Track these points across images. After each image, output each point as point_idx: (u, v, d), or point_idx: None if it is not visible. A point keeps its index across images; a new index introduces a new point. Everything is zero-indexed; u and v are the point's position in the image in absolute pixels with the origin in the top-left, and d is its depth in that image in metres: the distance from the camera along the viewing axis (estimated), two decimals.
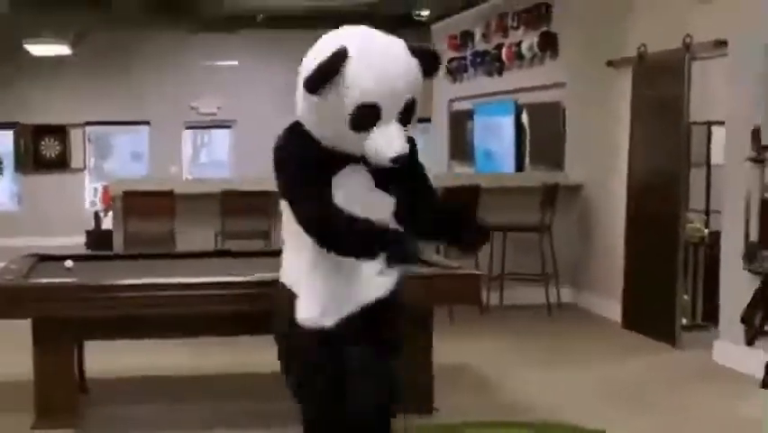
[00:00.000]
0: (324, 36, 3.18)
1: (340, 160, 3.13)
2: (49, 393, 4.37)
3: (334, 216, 3.09)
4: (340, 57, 3.00)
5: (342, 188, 3.14)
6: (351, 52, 3.02)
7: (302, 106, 3.16)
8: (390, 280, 3.22)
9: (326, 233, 3.12)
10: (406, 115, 3.09)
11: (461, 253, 3.53)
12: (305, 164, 3.14)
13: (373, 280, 3.17)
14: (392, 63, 3.06)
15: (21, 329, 4.43)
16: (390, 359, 3.30)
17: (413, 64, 3.10)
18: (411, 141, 3.29)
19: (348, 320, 3.18)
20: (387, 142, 3.04)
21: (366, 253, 3.11)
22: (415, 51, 3.13)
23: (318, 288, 3.20)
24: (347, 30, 3.17)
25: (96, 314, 4.29)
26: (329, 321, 3.18)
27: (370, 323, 3.21)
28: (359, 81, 3.00)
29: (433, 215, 3.36)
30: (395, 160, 3.05)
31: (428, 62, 3.16)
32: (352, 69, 3.00)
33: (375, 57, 3.05)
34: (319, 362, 3.21)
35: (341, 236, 3.12)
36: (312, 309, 3.20)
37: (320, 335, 3.18)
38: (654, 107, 6.59)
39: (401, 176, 3.21)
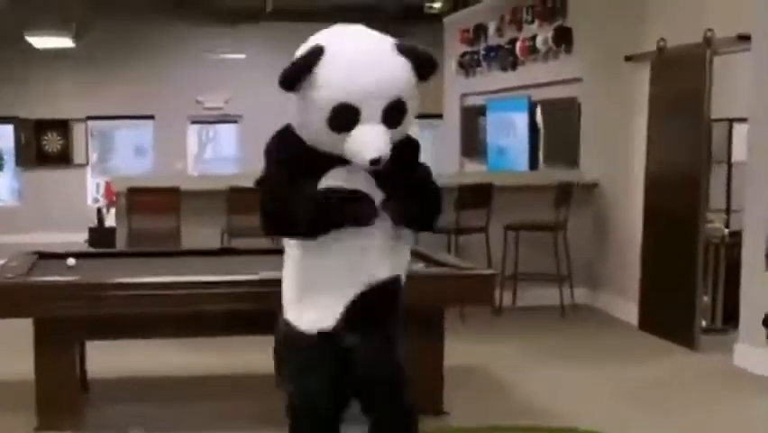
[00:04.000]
0: (314, 35, 3.17)
1: (326, 161, 3.12)
2: (50, 393, 4.31)
3: (281, 195, 3.13)
4: (312, 56, 3.03)
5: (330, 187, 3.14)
6: (326, 51, 3.03)
7: (290, 108, 3.16)
8: (384, 270, 3.19)
9: (268, 209, 3.21)
10: (393, 115, 3.05)
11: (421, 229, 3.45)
12: (286, 164, 3.18)
13: (365, 268, 3.16)
14: (369, 63, 3.03)
15: (22, 329, 4.35)
16: (392, 349, 3.27)
17: (399, 64, 3.07)
18: (413, 141, 3.29)
19: (346, 312, 3.17)
20: (365, 143, 3.01)
21: (316, 222, 3.09)
22: (405, 52, 3.09)
23: (302, 287, 3.23)
24: (333, 29, 3.17)
25: (98, 313, 4.21)
26: (322, 322, 3.18)
27: (367, 312, 3.19)
28: (330, 81, 3.00)
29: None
30: (373, 162, 3.01)
31: (420, 63, 3.11)
32: (324, 68, 3.01)
33: (349, 57, 3.04)
34: (311, 362, 3.23)
35: (283, 209, 3.15)
36: (297, 308, 3.23)
37: (311, 336, 3.20)
38: (674, 103, 6.45)
39: (397, 176, 3.17)
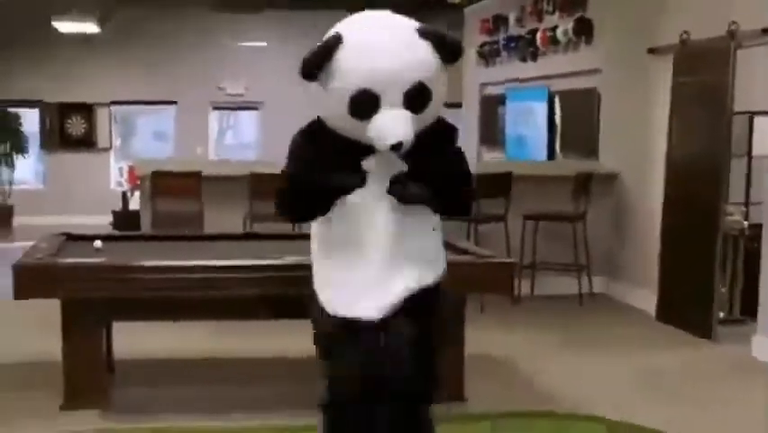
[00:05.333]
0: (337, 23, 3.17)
1: (364, 147, 3.10)
2: (77, 374, 4.36)
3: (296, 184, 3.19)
4: (331, 43, 3.02)
5: (369, 174, 3.13)
6: (345, 39, 3.02)
7: (315, 98, 3.16)
8: (418, 273, 3.15)
9: (283, 196, 3.24)
10: (416, 99, 3.03)
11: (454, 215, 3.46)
12: (308, 165, 3.17)
13: (400, 270, 3.12)
14: (385, 49, 3.02)
15: (50, 309, 4.40)
16: (427, 346, 3.22)
17: (421, 47, 3.04)
18: (447, 126, 3.26)
19: (378, 307, 3.12)
20: (387, 128, 3.00)
21: (322, 195, 3.13)
22: (428, 35, 3.07)
23: (330, 274, 3.20)
24: (354, 17, 3.16)
25: (125, 295, 4.26)
26: (354, 310, 3.14)
27: (403, 313, 3.14)
28: (349, 67, 2.99)
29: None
30: (394, 147, 3.00)
31: (443, 47, 3.09)
32: (343, 55, 3.00)
33: (368, 42, 3.03)
34: (342, 348, 3.19)
35: (297, 194, 3.19)
36: (331, 296, 3.20)
37: (345, 322, 3.15)
38: (696, 96, 6.45)
39: (429, 162, 3.15)
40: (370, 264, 3.14)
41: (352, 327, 3.15)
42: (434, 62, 3.06)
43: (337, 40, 3.01)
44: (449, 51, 3.10)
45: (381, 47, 3.02)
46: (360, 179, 3.13)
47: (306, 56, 3.04)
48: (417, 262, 3.17)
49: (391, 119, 2.99)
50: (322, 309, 3.23)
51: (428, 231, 3.25)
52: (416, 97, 3.03)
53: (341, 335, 3.19)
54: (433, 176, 3.15)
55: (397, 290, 3.13)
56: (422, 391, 3.23)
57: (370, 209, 3.15)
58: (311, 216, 3.27)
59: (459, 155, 3.30)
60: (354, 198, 3.15)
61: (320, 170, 3.15)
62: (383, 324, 3.13)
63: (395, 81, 2.99)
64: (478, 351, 5.04)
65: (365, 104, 2.99)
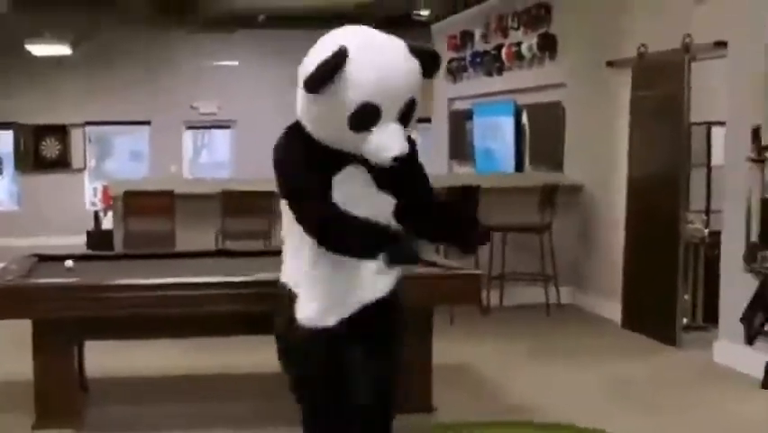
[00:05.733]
0: (324, 36, 3.18)
1: (340, 160, 3.13)
2: (49, 393, 4.36)
3: (336, 216, 3.09)
4: (340, 56, 2.99)
5: (343, 187, 3.13)
6: (351, 52, 3.01)
7: (302, 107, 3.15)
8: (390, 280, 3.22)
9: (327, 233, 3.12)
10: (406, 115, 3.08)
11: (462, 254, 3.53)
12: (304, 164, 3.14)
13: (373, 279, 3.17)
14: (392, 63, 3.05)
15: (21, 329, 4.43)
16: (390, 359, 3.30)
17: (413, 64, 3.09)
18: (411, 141, 3.28)
19: (349, 320, 3.17)
20: (387, 141, 3.03)
21: (366, 252, 3.12)
22: (415, 51, 3.12)
23: (318, 287, 3.19)
24: (348, 29, 3.16)
25: (96, 314, 4.27)
26: (329, 320, 3.17)
27: (370, 323, 3.21)
28: (359, 81, 2.99)
29: (434, 215, 3.35)
30: (396, 159, 3.05)
31: (428, 63, 3.15)
32: (352, 68, 2.99)
33: (375, 56, 3.04)
34: (318, 360, 3.21)
35: (342, 236, 3.12)
36: (311, 309, 3.20)
37: (319, 334, 3.18)
38: (654, 108, 6.59)
39: (401, 177, 3.20)
40: (340, 276, 3.17)
41: (320, 337, 3.19)
42: (420, 79, 3.11)
43: (344, 53, 3.00)
44: (431, 67, 3.14)
45: (391, 62, 3.04)
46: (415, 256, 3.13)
47: (314, 70, 2.99)
48: (382, 273, 3.19)
49: (393, 133, 3.02)
50: (293, 320, 3.23)
51: None
52: (409, 112, 3.08)
53: (310, 345, 3.22)
54: (398, 187, 3.19)
55: (360, 300, 3.17)
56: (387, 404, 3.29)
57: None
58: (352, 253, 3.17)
59: (425, 174, 3.34)
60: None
61: (311, 168, 3.12)
62: (348, 333, 3.18)
63: (397, 96, 3.02)
64: (447, 361, 5.10)
65: (367, 117, 3.00)
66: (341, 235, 3.12)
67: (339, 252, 3.14)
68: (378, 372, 3.26)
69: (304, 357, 3.25)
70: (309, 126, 3.15)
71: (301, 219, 3.14)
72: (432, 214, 3.35)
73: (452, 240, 3.46)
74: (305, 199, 3.14)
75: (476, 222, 3.40)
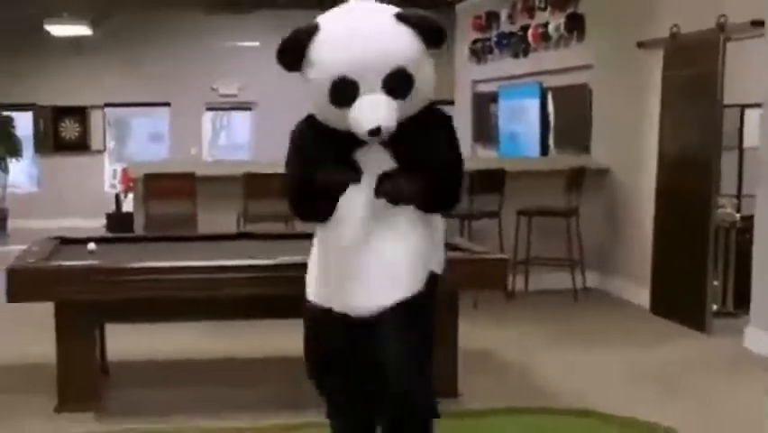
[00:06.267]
0: None
1: (350, 140, 3.09)
2: (71, 376, 4.37)
3: (302, 192, 3.20)
4: (303, 33, 3.03)
5: (364, 166, 3.12)
6: (321, 26, 3.03)
7: (304, 90, 3.15)
8: (407, 278, 3.12)
9: (297, 208, 3.27)
10: (397, 85, 3.00)
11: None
12: (303, 151, 3.19)
13: (388, 279, 3.10)
14: (361, 36, 3.00)
15: (44, 312, 4.41)
16: (401, 338, 3.17)
17: (398, 32, 3.02)
18: (437, 114, 3.21)
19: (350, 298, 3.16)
20: (363, 114, 2.97)
21: (331, 191, 3.12)
22: (407, 20, 3.04)
23: (323, 267, 3.24)
24: (337, 7, 3.16)
25: (118, 297, 4.27)
26: (328, 300, 3.20)
27: (396, 318, 3.12)
28: (324, 57, 2.99)
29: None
30: (372, 132, 2.97)
31: (424, 31, 3.05)
32: (317, 44, 3.01)
33: (342, 29, 3.03)
34: (317, 335, 3.26)
35: (307, 204, 3.21)
36: (314, 286, 3.26)
37: (320, 311, 3.22)
38: (687, 89, 6.46)
39: (419, 149, 3.13)
40: (345, 256, 3.15)
41: (327, 317, 3.21)
42: (415, 47, 3.02)
43: (312, 28, 3.02)
44: (430, 35, 3.06)
45: (358, 35, 3.00)
46: (357, 175, 3.11)
47: (279, 44, 3.06)
48: (390, 269, 3.12)
49: (368, 104, 2.96)
50: (305, 298, 3.29)
51: (407, 234, 3.16)
52: (398, 83, 2.99)
53: (318, 322, 3.25)
54: (418, 162, 3.11)
55: (382, 296, 3.11)
56: (412, 390, 3.19)
57: (350, 203, 3.14)
58: (314, 218, 3.27)
59: (448, 141, 3.23)
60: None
61: (318, 157, 3.15)
62: (358, 318, 3.15)
63: (371, 67, 2.96)
64: (472, 347, 5.06)
65: (344, 91, 2.97)
66: (306, 204, 3.23)
67: (313, 217, 3.24)
68: (385, 348, 3.17)
69: (307, 331, 3.32)
70: (313, 111, 3.17)
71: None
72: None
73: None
74: (289, 185, 3.25)
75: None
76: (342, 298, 3.16)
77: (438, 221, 3.30)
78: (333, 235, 3.18)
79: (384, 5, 3.14)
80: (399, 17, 3.04)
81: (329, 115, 3.08)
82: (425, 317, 3.22)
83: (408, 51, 3.02)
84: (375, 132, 2.96)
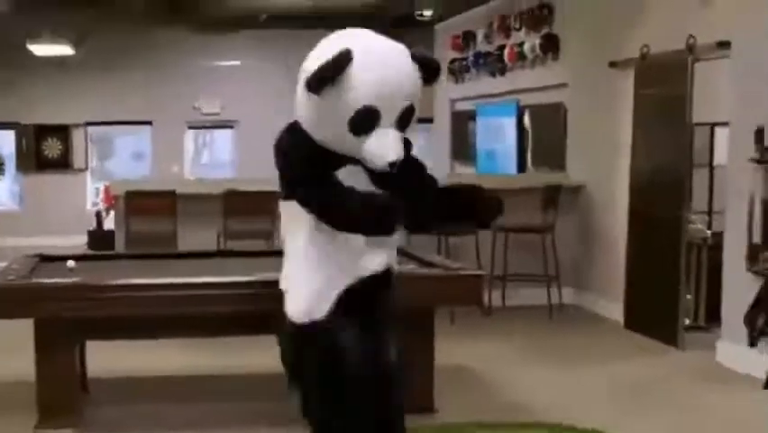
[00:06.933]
0: (327, 37, 3.20)
1: (339, 159, 3.17)
2: (51, 393, 4.37)
3: (348, 195, 3.15)
4: (344, 58, 3.02)
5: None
6: (355, 54, 3.03)
7: (302, 107, 3.18)
8: (381, 259, 3.26)
9: (329, 211, 3.18)
10: (404, 120, 3.12)
11: (478, 228, 3.57)
12: (306, 154, 3.19)
13: (365, 257, 3.22)
14: (395, 68, 3.08)
15: (23, 329, 4.43)
16: (390, 337, 3.32)
17: (414, 70, 3.13)
18: (407, 141, 3.30)
19: (339, 301, 3.22)
20: (384, 147, 3.07)
21: (368, 223, 3.16)
22: (416, 58, 3.16)
23: (309, 278, 3.25)
24: (351, 32, 3.19)
25: (98, 314, 4.28)
26: (319, 311, 3.23)
27: (363, 300, 3.24)
28: (361, 84, 3.02)
29: (444, 195, 3.39)
30: (391, 165, 3.08)
31: (428, 70, 3.19)
32: (355, 71, 3.01)
33: (378, 60, 3.08)
34: (311, 351, 3.27)
35: (342, 212, 3.17)
36: (301, 304, 3.27)
37: (310, 327, 3.24)
38: (657, 108, 6.58)
39: (398, 176, 3.22)
40: (329, 261, 3.24)
41: (311, 330, 3.25)
42: (420, 85, 3.16)
43: (348, 54, 3.02)
44: (433, 76, 3.20)
45: (388, 66, 3.08)
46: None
47: (317, 70, 3.02)
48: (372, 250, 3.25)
49: (388, 138, 3.06)
50: (287, 318, 3.31)
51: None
52: (407, 118, 3.13)
53: (304, 339, 3.28)
54: (400, 185, 3.21)
55: (342, 285, 3.23)
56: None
57: None
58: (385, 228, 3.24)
59: (422, 164, 3.40)
60: None
61: (313, 163, 3.18)
62: (338, 322, 3.22)
63: (398, 101, 3.07)
64: (448, 362, 5.11)
65: (367, 120, 3.04)
66: (341, 211, 3.17)
67: (342, 227, 3.18)
68: (376, 344, 3.27)
69: (297, 351, 3.32)
70: (308, 128, 3.18)
71: (314, 205, 3.19)
72: (442, 194, 3.38)
73: (466, 214, 3.45)
74: (314, 186, 3.18)
75: (486, 193, 3.41)
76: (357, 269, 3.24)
77: None
78: (345, 250, 3.24)
79: (396, 42, 3.21)
80: (412, 56, 3.16)
81: (339, 139, 3.11)
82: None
83: (418, 89, 3.16)
84: (393, 164, 3.08)
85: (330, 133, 3.13)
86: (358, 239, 3.22)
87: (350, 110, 3.03)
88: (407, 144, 3.33)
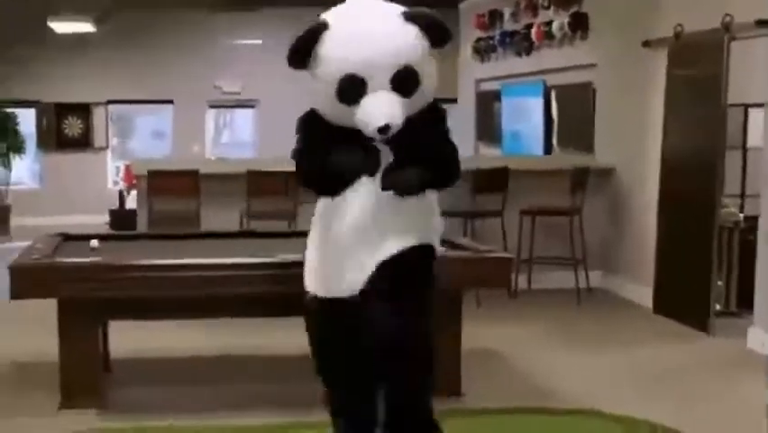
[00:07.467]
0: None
1: (353, 136, 3.11)
2: (74, 374, 4.36)
3: (314, 159, 3.19)
4: (314, 31, 3.04)
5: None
6: (329, 24, 3.05)
7: (310, 87, 3.17)
8: (402, 241, 3.16)
9: (305, 170, 3.24)
10: (402, 83, 3.03)
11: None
12: (310, 132, 3.21)
13: (382, 243, 3.14)
14: (372, 31, 3.03)
15: (47, 309, 4.41)
16: (409, 316, 3.19)
17: (406, 31, 3.05)
18: (436, 110, 3.25)
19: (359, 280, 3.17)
20: (372, 112, 3.00)
21: (346, 172, 3.12)
22: (413, 19, 3.06)
23: (320, 258, 3.25)
24: (341, 5, 3.18)
25: (121, 294, 4.26)
26: (330, 290, 3.22)
27: (382, 281, 3.15)
28: (334, 53, 3.01)
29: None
30: (381, 129, 2.99)
31: (429, 30, 3.09)
32: (327, 41, 3.02)
33: (352, 27, 3.05)
34: (323, 325, 3.28)
35: (317, 171, 3.19)
36: (315, 279, 3.28)
37: (323, 303, 3.24)
38: (691, 89, 6.46)
39: (420, 148, 3.16)
40: (343, 243, 3.17)
41: (331, 307, 3.22)
42: (420, 45, 3.06)
43: (322, 26, 3.04)
44: (436, 34, 3.09)
45: (366, 33, 3.03)
46: (374, 167, 3.11)
47: (292, 43, 3.07)
48: (394, 234, 3.15)
49: (377, 102, 2.99)
50: (306, 293, 3.31)
51: (408, 207, 3.19)
52: (404, 81, 3.03)
53: (323, 315, 3.25)
54: (418, 157, 3.15)
55: (371, 264, 3.14)
56: (417, 367, 3.23)
57: (352, 198, 3.16)
58: (322, 188, 3.25)
59: (445, 135, 3.29)
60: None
61: (328, 144, 3.15)
62: (362, 300, 3.15)
63: (380, 65, 2.99)
64: (475, 346, 5.07)
65: (352, 88, 3.00)
66: (299, 170, 3.24)
67: (324, 189, 3.20)
68: (386, 326, 3.17)
69: (310, 325, 3.34)
70: (316, 106, 3.19)
71: (297, 176, 3.28)
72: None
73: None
74: (300, 156, 3.24)
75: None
76: (339, 281, 3.19)
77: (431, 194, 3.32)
78: (336, 223, 3.18)
79: (390, 4, 3.17)
80: (406, 16, 3.08)
81: (336, 111, 3.10)
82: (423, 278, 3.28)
83: (415, 50, 3.06)
84: (384, 129, 2.99)
85: (329, 108, 3.11)
86: (351, 236, 3.15)
87: (333, 80, 3.01)
88: (436, 114, 3.24)
